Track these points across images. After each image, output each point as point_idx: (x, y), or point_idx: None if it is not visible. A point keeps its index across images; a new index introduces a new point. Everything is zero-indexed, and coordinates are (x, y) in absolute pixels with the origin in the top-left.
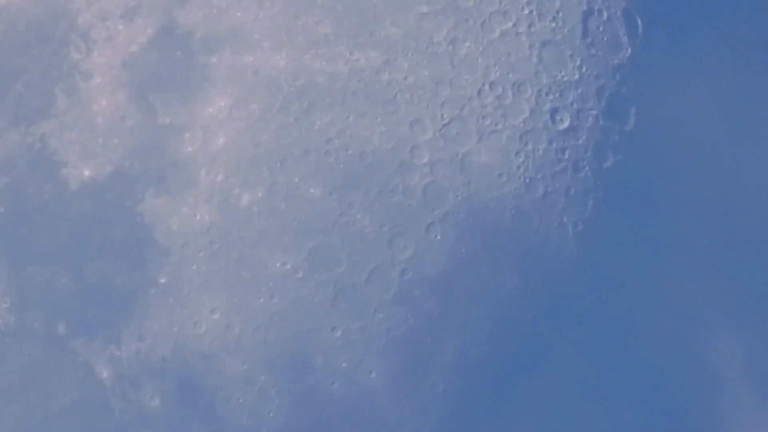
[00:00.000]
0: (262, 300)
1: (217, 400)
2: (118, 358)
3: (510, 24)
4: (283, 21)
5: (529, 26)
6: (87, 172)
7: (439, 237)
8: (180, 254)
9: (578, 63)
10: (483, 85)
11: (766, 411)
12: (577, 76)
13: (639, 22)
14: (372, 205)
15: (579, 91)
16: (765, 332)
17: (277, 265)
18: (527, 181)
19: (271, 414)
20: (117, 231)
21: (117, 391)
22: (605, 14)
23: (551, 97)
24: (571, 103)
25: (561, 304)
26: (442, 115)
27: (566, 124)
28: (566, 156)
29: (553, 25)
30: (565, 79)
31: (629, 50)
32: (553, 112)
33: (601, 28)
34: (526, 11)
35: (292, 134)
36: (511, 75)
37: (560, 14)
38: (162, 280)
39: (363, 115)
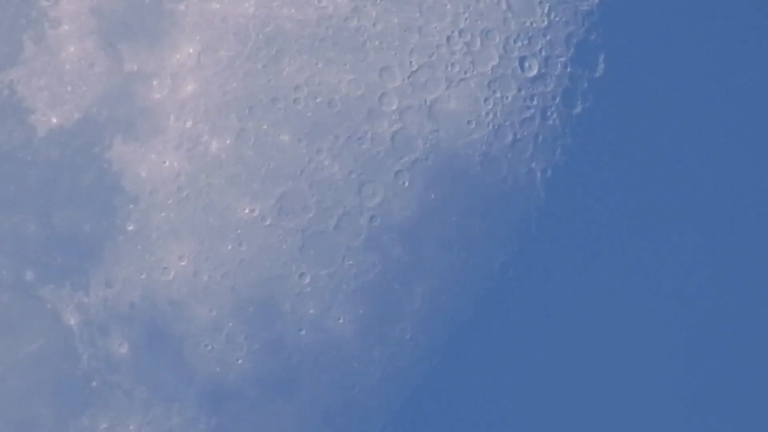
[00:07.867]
0: (230, 247)
1: (185, 346)
2: (86, 304)
3: None
4: None
5: None
6: (55, 119)
7: (407, 184)
8: (148, 201)
9: (547, 10)
10: (452, 32)
11: None
12: (545, 23)
13: None
14: (341, 152)
15: (547, 38)
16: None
17: (246, 211)
18: (496, 128)
19: (239, 361)
20: (85, 178)
21: (85, 337)
22: None
23: (520, 44)
24: (540, 50)
25: (529, 250)
26: (410, 63)
27: (535, 71)
28: (535, 103)
29: None
30: (533, 26)
31: None
32: (522, 59)
33: None
34: None
35: (261, 81)
36: (479, 22)
37: None
38: (130, 228)
39: (331, 63)
